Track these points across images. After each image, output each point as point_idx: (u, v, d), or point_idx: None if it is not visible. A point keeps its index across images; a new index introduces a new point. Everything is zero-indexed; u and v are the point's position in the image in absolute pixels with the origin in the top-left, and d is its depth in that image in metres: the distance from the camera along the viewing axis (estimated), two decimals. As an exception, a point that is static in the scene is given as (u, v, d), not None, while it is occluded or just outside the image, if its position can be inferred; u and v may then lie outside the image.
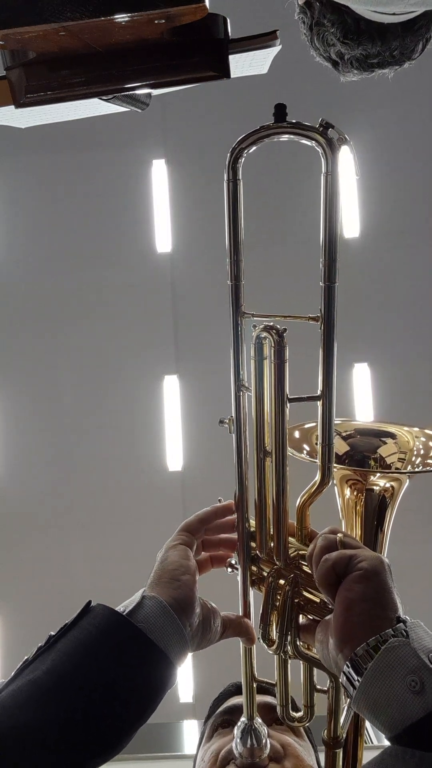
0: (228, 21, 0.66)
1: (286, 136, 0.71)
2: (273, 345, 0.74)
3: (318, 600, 0.74)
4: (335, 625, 0.65)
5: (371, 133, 3.51)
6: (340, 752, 0.79)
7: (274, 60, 0.79)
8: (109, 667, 0.64)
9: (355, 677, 0.61)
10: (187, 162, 3.56)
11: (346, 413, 3.47)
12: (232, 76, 0.69)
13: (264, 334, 0.75)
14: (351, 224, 3.57)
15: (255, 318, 0.76)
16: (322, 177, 0.70)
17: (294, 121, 0.70)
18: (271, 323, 0.75)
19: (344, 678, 0.63)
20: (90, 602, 0.70)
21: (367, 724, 1.10)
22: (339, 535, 0.72)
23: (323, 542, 0.71)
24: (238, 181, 0.73)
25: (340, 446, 0.99)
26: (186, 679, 3.49)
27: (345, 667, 0.62)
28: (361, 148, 3.59)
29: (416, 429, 1.00)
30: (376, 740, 1.81)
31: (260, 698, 0.88)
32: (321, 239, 0.71)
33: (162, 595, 0.71)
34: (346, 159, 0.72)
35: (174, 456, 3.67)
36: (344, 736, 0.79)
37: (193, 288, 3.53)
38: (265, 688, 0.90)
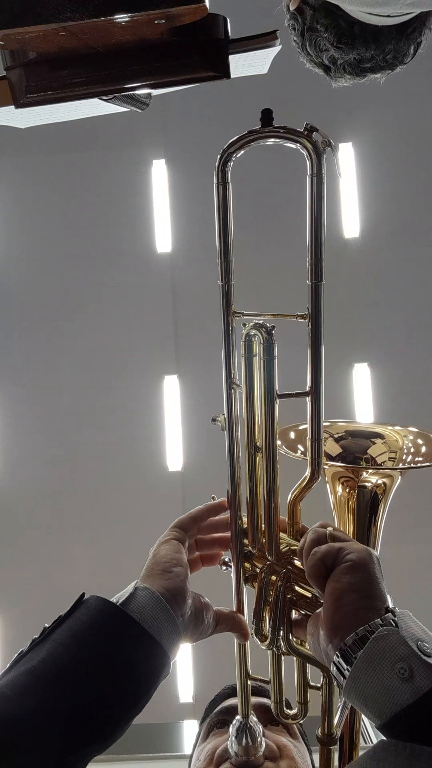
0: (228, 21, 0.66)
1: (273, 139, 0.73)
2: (262, 342, 0.76)
3: (310, 595, 0.75)
4: (325, 616, 0.66)
5: (371, 133, 3.51)
6: (336, 750, 0.80)
7: (274, 60, 0.80)
8: (103, 655, 0.65)
9: (345, 667, 0.62)
10: (187, 162, 3.56)
11: (346, 413, 3.47)
12: (232, 76, 0.69)
13: (253, 332, 0.77)
14: (351, 224, 3.57)
15: (245, 317, 0.78)
16: (307, 179, 0.72)
17: (280, 125, 0.72)
18: (261, 321, 0.77)
19: (334, 668, 0.64)
20: (83, 594, 0.71)
21: (367, 723, 1.11)
22: (328, 529, 0.73)
23: (313, 536, 0.73)
24: (228, 184, 0.75)
25: (332, 448, 1.00)
26: (186, 679, 3.49)
27: (335, 657, 0.63)
28: (362, 148, 3.60)
29: (399, 427, 1.01)
30: (376, 740, 1.81)
31: (255, 699, 0.89)
32: (307, 239, 0.73)
33: (154, 586, 0.72)
34: (337, 160, 0.74)
35: (174, 456, 3.67)
36: (339, 734, 0.79)
37: (193, 288, 3.54)
38: (260, 690, 0.90)
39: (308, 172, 0.72)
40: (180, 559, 0.76)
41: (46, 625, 0.68)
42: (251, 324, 0.77)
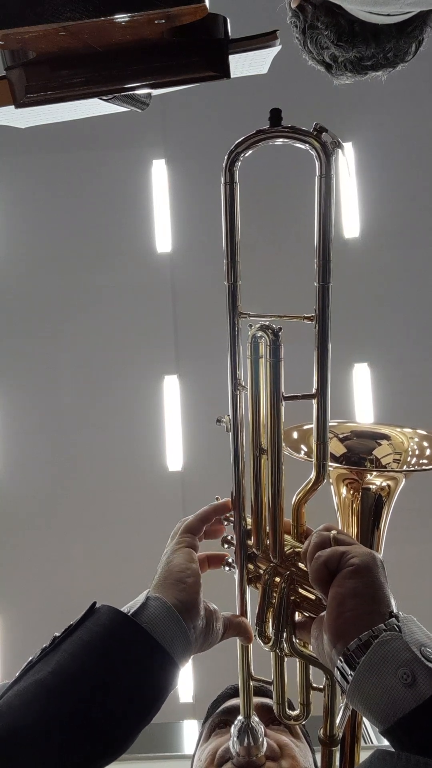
0: (228, 21, 0.66)
1: (281, 140, 0.72)
2: (268, 344, 0.75)
3: (313, 597, 0.74)
4: (328, 621, 0.66)
5: (372, 133, 3.51)
6: (337, 751, 0.79)
7: (274, 60, 0.79)
8: (114, 667, 0.64)
9: (349, 672, 0.61)
10: (187, 162, 3.56)
11: (346, 413, 3.47)
12: (232, 76, 0.69)
13: (260, 334, 0.76)
14: (351, 224, 3.57)
15: (251, 318, 0.77)
16: (316, 179, 0.71)
17: (289, 125, 0.71)
18: (267, 323, 0.76)
19: (338, 673, 0.63)
20: (95, 603, 0.70)
21: (368, 723, 1.11)
22: (333, 532, 0.73)
23: (317, 539, 0.72)
24: (235, 184, 0.74)
25: (337, 448, 1.00)
26: (186, 679, 3.49)
27: (338, 662, 0.63)
28: (362, 149, 3.60)
29: (408, 429, 1.01)
30: (376, 740, 1.81)
31: (257, 699, 0.88)
32: (315, 240, 0.73)
33: (167, 597, 0.71)
34: (346, 160, 0.73)
35: (174, 456, 3.67)
36: (341, 735, 0.79)
37: (193, 288, 3.53)
38: (262, 691, 0.90)
39: (317, 173, 0.71)
40: (194, 570, 0.75)
41: (56, 634, 0.67)
42: (258, 325, 0.76)
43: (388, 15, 1.06)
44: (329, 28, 1.12)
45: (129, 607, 0.70)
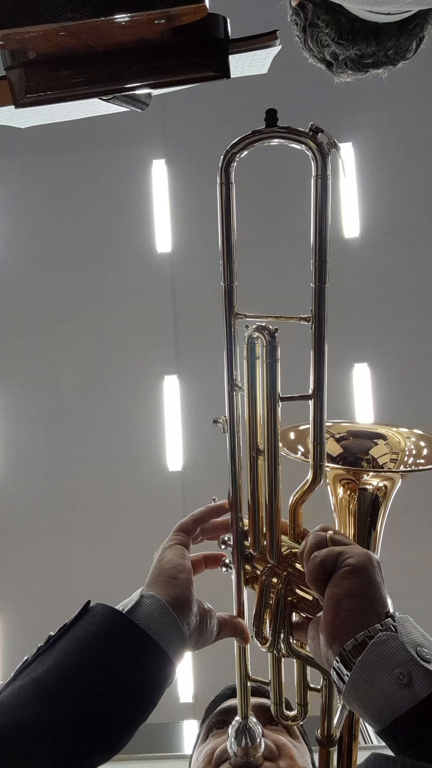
0: (228, 21, 0.66)
1: (277, 140, 0.72)
2: (265, 345, 0.75)
3: (311, 597, 0.74)
4: (324, 621, 0.66)
5: (371, 133, 3.51)
6: (335, 751, 0.79)
7: (274, 60, 0.79)
8: (109, 664, 0.65)
9: (345, 672, 0.61)
10: (187, 162, 3.57)
11: (346, 413, 3.47)
12: (232, 76, 0.69)
13: (256, 334, 0.76)
14: (351, 224, 3.57)
15: (248, 318, 0.77)
16: (312, 180, 0.71)
17: (285, 125, 0.71)
18: (264, 324, 0.76)
19: (335, 674, 0.63)
20: (89, 602, 0.70)
21: (365, 723, 1.11)
22: (329, 532, 0.73)
23: (313, 540, 0.72)
24: (231, 184, 0.74)
25: (333, 448, 0.99)
26: (186, 679, 3.49)
27: (335, 662, 0.63)
28: (362, 148, 3.60)
29: (405, 429, 1.01)
30: (375, 740, 1.81)
31: (255, 699, 0.88)
32: (311, 241, 0.73)
33: (160, 594, 0.71)
34: (341, 160, 0.73)
35: (174, 456, 3.67)
36: (338, 735, 0.79)
37: (193, 288, 3.54)
38: (260, 691, 0.90)
39: (313, 174, 0.71)
40: (185, 566, 0.76)
41: (51, 633, 0.67)
42: (254, 326, 0.76)
43: (389, 14, 1.06)
44: (330, 26, 1.12)
45: (123, 605, 0.70)
